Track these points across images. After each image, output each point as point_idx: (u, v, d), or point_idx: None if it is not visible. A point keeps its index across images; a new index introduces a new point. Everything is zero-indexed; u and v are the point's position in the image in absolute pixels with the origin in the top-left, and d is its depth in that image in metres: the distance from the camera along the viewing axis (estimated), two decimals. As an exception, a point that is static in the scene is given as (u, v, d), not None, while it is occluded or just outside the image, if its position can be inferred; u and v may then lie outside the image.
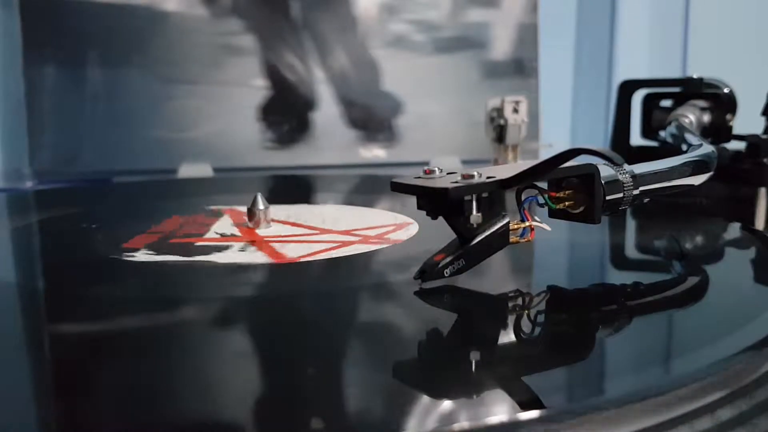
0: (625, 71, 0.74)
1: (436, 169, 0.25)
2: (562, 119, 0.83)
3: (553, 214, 0.26)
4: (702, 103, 0.46)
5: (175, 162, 0.63)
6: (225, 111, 0.66)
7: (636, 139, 0.51)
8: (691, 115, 0.44)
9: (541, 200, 0.25)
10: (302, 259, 0.28)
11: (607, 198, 0.25)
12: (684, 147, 0.36)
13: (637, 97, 0.51)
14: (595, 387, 0.18)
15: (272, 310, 0.24)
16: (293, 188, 0.56)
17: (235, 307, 0.24)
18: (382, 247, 0.30)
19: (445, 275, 0.24)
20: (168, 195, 0.53)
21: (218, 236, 0.33)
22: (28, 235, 0.37)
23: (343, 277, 0.28)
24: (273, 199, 0.36)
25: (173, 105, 0.65)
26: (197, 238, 0.32)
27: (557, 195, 0.25)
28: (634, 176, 0.26)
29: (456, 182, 0.23)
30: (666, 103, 0.50)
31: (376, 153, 0.70)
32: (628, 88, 0.51)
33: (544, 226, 0.25)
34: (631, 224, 0.38)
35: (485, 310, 0.23)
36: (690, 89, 0.48)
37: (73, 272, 0.29)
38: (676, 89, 0.49)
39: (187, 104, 0.65)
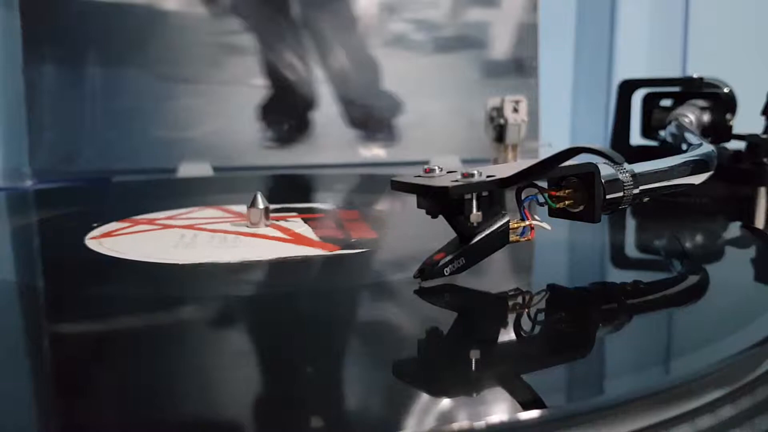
0: (625, 71, 0.74)
1: (436, 167, 0.25)
2: (562, 119, 0.83)
3: (553, 213, 0.26)
4: (702, 103, 0.46)
5: (175, 161, 0.63)
6: (225, 110, 0.66)
7: (636, 138, 0.51)
8: (691, 115, 0.44)
9: (541, 199, 0.25)
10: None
11: (607, 197, 0.25)
12: (684, 146, 0.36)
13: (637, 97, 0.51)
14: (595, 386, 0.18)
15: (271, 309, 0.24)
16: (293, 187, 0.56)
17: (232, 305, 0.24)
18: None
19: (445, 274, 0.24)
20: (168, 194, 0.53)
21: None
22: (28, 234, 0.37)
23: (342, 275, 0.28)
24: (273, 198, 0.36)
25: (173, 104, 0.65)
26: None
27: (557, 194, 0.25)
28: (634, 175, 0.26)
29: (456, 181, 0.23)
30: (666, 102, 0.50)
31: (375, 152, 0.70)
32: (627, 87, 0.51)
33: (544, 225, 0.25)
34: (631, 223, 0.38)
35: (485, 309, 0.23)
36: (690, 89, 0.48)
37: (73, 271, 0.29)
38: (676, 89, 0.49)
39: (186, 103, 0.65)
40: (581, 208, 0.25)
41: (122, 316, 0.23)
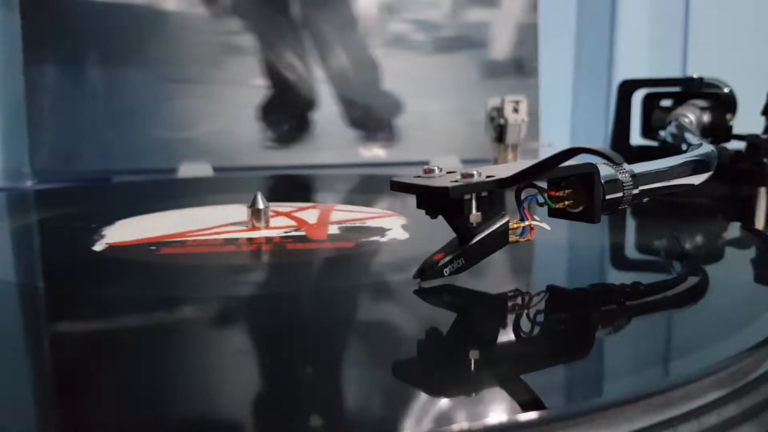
0: (625, 71, 0.74)
1: (436, 168, 0.25)
2: (562, 119, 0.83)
3: (553, 213, 0.25)
4: (702, 103, 0.46)
5: (175, 161, 0.63)
6: (225, 110, 0.66)
7: (636, 138, 0.51)
8: (691, 115, 0.44)
9: (540, 199, 0.25)
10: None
11: (607, 197, 0.25)
12: (684, 147, 0.36)
13: (637, 97, 0.51)
14: (594, 387, 0.18)
15: (270, 309, 0.24)
16: (293, 188, 0.56)
17: (231, 305, 0.24)
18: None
19: (445, 274, 0.24)
20: (168, 194, 0.53)
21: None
22: (28, 235, 0.37)
23: (342, 275, 0.28)
24: (273, 198, 0.36)
25: (173, 104, 0.65)
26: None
27: (557, 194, 0.25)
28: (633, 176, 0.26)
29: (456, 181, 0.23)
30: (666, 102, 0.50)
31: (375, 152, 0.70)
32: (628, 87, 0.51)
33: (544, 225, 0.25)
34: (630, 224, 0.38)
35: (484, 310, 0.23)
36: (690, 89, 0.48)
37: (73, 271, 0.29)
38: (676, 89, 0.49)
39: (187, 104, 0.65)
40: (581, 208, 0.25)
41: (122, 316, 0.23)
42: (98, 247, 0.31)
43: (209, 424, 0.15)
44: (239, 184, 0.55)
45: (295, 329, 0.22)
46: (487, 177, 0.24)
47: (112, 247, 0.31)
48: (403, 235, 0.32)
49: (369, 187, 0.55)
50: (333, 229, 0.34)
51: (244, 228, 0.34)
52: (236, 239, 0.32)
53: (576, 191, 0.25)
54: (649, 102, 0.50)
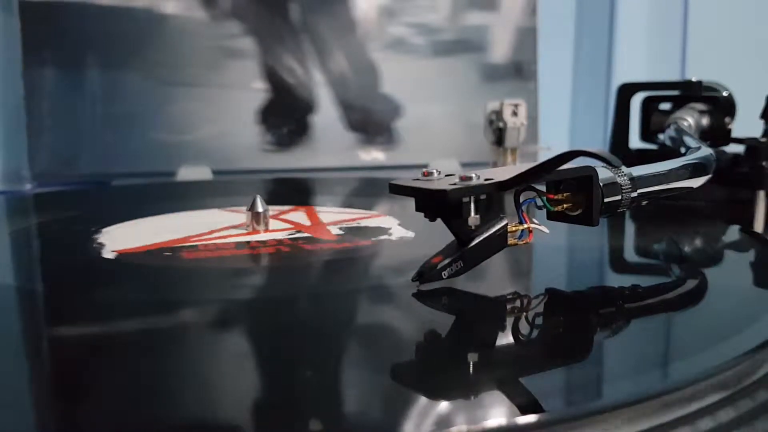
0: (624, 74, 0.74)
1: (435, 171, 0.25)
2: (561, 122, 0.83)
3: (552, 216, 0.25)
4: (701, 106, 0.46)
5: (175, 165, 0.63)
6: (224, 114, 0.66)
7: (635, 142, 0.51)
8: (690, 119, 0.44)
9: (539, 202, 0.25)
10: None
11: (606, 200, 0.25)
12: (683, 150, 0.36)
13: (636, 100, 0.51)
14: (593, 390, 0.18)
15: (269, 312, 0.24)
16: (292, 191, 0.56)
17: (230, 309, 0.24)
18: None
19: (443, 277, 0.24)
20: (167, 197, 0.53)
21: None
22: (28, 238, 0.37)
23: (340, 278, 0.28)
24: (272, 201, 0.36)
25: (172, 108, 0.65)
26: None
27: (555, 197, 0.25)
28: (632, 179, 0.26)
29: (454, 184, 0.23)
30: (665, 106, 0.50)
31: (375, 156, 0.70)
32: (627, 91, 0.51)
33: (543, 228, 0.25)
34: (629, 227, 0.38)
35: (483, 313, 0.23)
36: (689, 92, 0.48)
37: (72, 274, 0.29)
38: (675, 92, 0.49)
39: (186, 107, 0.65)
40: (579, 211, 0.25)
41: (122, 320, 0.23)
42: (107, 254, 0.30)
43: (209, 427, 0.15)
44: (238, 188, 0.55)
45: (293, 332, 0.22)
46: (486, 180, 0.24)
47: (123, 254, 0.30)
48: (408, 234, 0.33)
49: (368, 190, 0.55)
50: (334, 230, 0.34)
51: (244, 231, 0.34)
52: (247, 242, 0.32)
53: (575, 194, 0.25)
54: (648, 105, 0.50)
